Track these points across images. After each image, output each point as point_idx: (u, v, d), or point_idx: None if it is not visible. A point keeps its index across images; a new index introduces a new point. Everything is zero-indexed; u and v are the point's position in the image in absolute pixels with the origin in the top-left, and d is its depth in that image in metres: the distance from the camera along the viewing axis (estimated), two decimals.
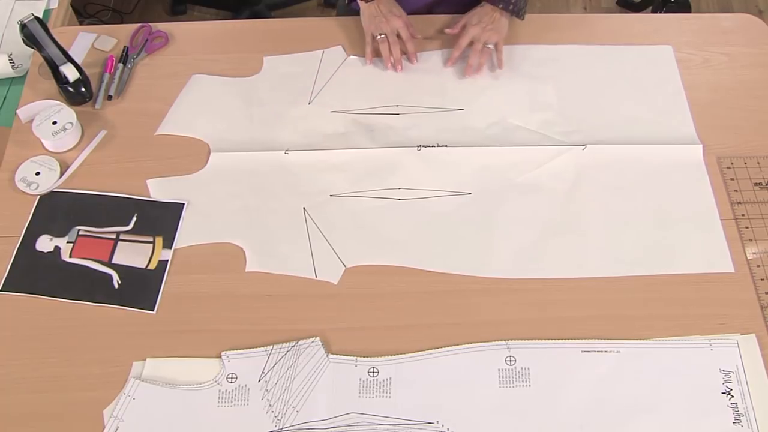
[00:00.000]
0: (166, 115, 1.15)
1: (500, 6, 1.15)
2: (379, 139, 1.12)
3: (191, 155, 1.10)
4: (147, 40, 1.24)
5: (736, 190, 1.05)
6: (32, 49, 1.19)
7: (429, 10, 1.30)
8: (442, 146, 1.10)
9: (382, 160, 1.09)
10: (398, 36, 1.18)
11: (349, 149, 1.10)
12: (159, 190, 1.07)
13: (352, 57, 1.22)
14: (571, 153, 1.09)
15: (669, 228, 1.02)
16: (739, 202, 1.04)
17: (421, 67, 1.21)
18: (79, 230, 1.03)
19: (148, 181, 1.07)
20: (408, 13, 1.22)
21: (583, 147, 1.09)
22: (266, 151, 1.10)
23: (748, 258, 0.99)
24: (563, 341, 0.92)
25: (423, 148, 1.09)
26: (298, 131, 1.13)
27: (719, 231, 1.02)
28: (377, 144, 1.11)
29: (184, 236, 1.02)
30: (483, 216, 1.04)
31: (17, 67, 1.22)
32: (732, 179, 1.07)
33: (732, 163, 1.08)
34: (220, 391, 0.89)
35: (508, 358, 0.91)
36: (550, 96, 1.17)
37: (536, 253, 1.00)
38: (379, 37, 1.17)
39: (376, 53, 1.20)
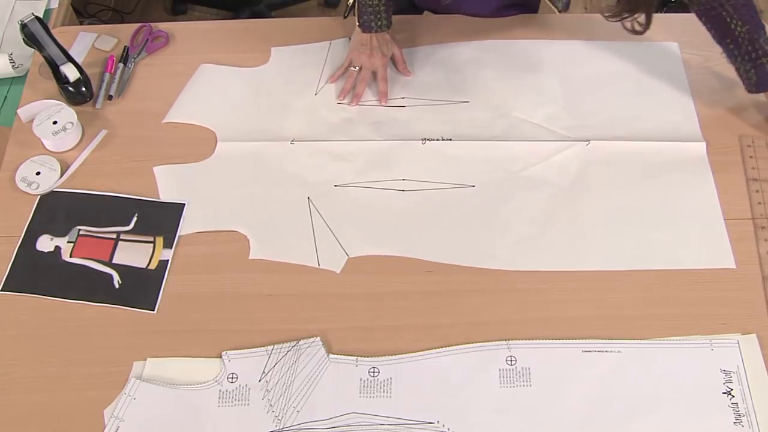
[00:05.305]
0: (174, 104, 1.16)
1: None
2: (385, 131, 1.12)
3: (193, 155, 1.10)
4: (147, 39, 1.24)
5: (757, 191, 1.04)
6: (33, 49, 1.19)
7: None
8: (447, 139, 1.10)
9: (386, 152, 1.10)
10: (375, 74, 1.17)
11: (354, 141, 1.11)
12: (165, 177, 1.08)
13: None
14: (575, 148, 1.09)
15: (671, 224, 1.02)
16: (760, 203, 1.03)
17: (428, 59, 1.21)
18: (79, 230, 1.03)
19: (155, 169, 1.08)
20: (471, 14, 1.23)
21: (587, 142, 1.09)
22: (272, 141, 1.11)
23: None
24: (564, 341, 0.92)
25: (428, 141, 1.10)
26: (304, 121, 1.14)
27: (722, 227, 1.02)
28: (382, 135, 1.12)
29: (190, 223, 1.03)
30: (486, 208, 1.04)
31: (18, 67, 1.22)
32: (754, 169, 1.07)
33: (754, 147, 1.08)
34: (220, 390, 0.89)
35: (509, 358, 0.91)
36: (555, 90, 1.17)
37: (538, 246, 1.01)
38: (352, 69, 1.17)
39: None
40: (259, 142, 1.11)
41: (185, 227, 1.03)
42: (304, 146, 1.11)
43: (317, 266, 0.99)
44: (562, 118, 1.14)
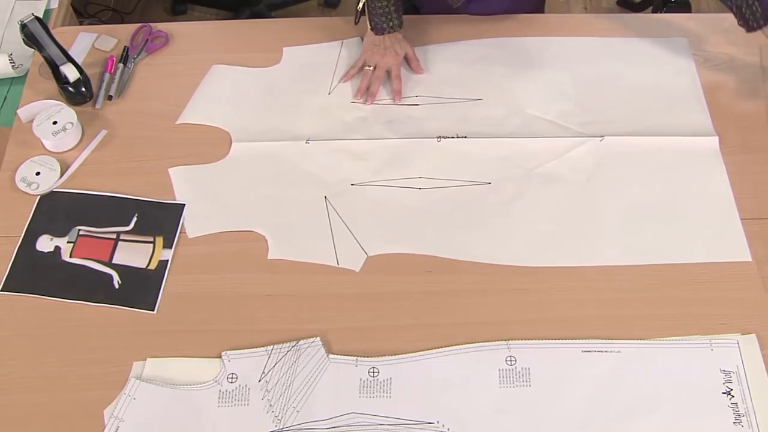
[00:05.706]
0: (187, 105, 1.16)
1: None
2: (399, 129, 1.13)
3: (194, 155, 1.10)
4: (147, 40, 1.24)
5: None
6: (33, 49, 1.19)
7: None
8: (462, 137, 1.11)
9: (402, 150, 1.10)
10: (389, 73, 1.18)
11: (370, 139, 1.11)
12: (181, 178, 1.08)
13: None
14: (589, 144, 1.10)
15: (685, 218, 1.03)
16: None
17: (440, 57, 1.22)
18: (79, 230, 1.03)
19: (170, 170, 1.08)
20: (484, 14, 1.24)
21: (601, 138, 1.10)
22: (287, 140, 1.11)
23: None
24: (563, 341, 0.92)
25: (443, 139, 1.10)
26: (319, 121, 1.14)
27: (736, 220, 1.02)
28: (397, 134, 1.12)
29: (207, 224, 1.03)
30: (502, 205, 1.05)
31: (17, 67, 1.22)
32: None
33: None
34: (220, 391, 0.89)
35: (509, 358, 0.91)
36: (567, 87, 1.18)
37: (555, 242, 1.01)
38: (367, 68, 1.17)
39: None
40: (275, 142, 1.11)
41: (202, 228, 1.03)
42: (320, 145, 1.11)
43: (336, 265, 0.99)
44: (576, 115, 1.14)
